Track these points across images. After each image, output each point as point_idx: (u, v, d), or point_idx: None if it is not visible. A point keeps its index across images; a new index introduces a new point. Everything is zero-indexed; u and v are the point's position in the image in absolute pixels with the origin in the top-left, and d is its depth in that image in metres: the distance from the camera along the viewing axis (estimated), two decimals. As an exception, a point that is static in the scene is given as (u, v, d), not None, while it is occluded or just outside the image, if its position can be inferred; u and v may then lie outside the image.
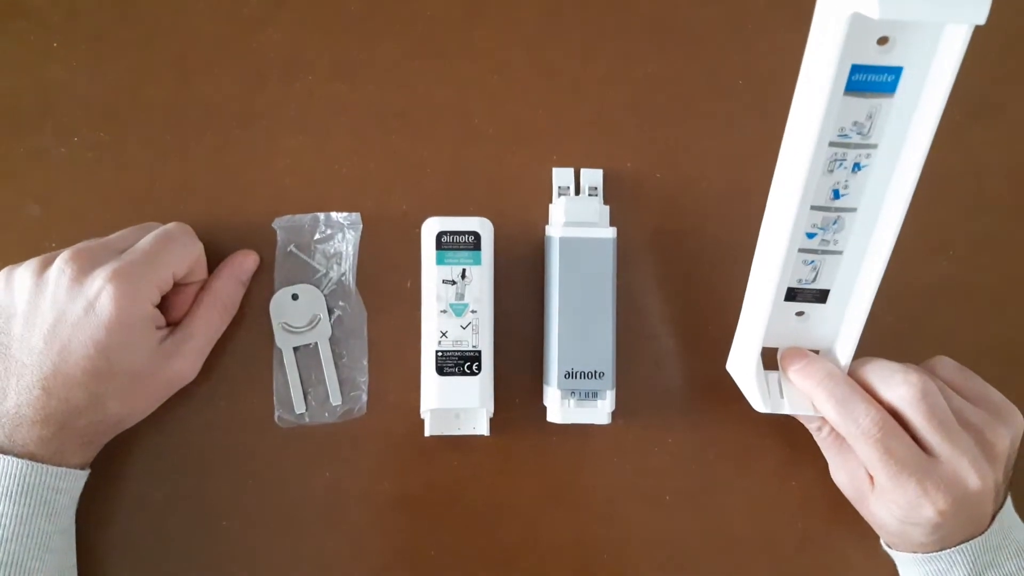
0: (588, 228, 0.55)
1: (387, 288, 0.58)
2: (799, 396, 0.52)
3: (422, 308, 0.55)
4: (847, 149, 0.46)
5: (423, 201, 0.58)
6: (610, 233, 0.55)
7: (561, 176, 0.59)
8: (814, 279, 0.51)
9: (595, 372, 0.54)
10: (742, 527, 0.58)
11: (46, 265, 0.50)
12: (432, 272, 0.54)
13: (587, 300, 0.54)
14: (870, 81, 0.44)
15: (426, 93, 0.59)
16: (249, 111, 0.59)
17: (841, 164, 0.47)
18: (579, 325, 0.54)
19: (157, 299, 0.51)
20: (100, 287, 0.48)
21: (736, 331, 0.55)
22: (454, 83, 0.60)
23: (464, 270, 0.54)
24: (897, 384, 0.49)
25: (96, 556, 0.56)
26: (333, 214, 0.58)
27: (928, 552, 0.51)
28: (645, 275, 0.59)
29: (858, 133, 0.46)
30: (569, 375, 0.54)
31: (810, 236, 0.50)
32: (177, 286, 0.53)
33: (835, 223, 0.49)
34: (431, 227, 0.54)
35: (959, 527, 0.50)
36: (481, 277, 0.54)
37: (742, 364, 0.54)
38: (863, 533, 0.56)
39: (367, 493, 0.57)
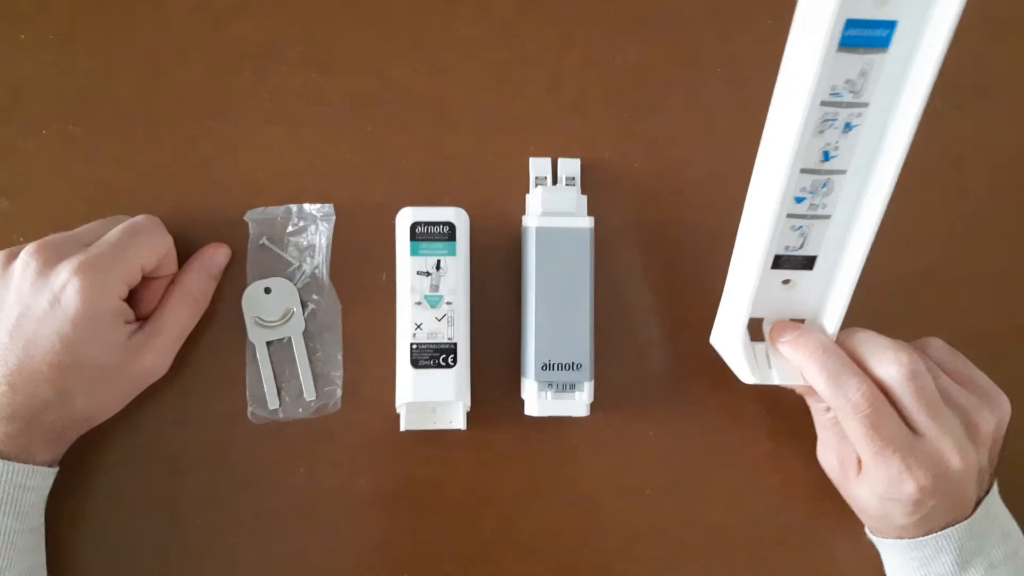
0: (565, 218, 0.54)
1: (362, 281, 0.57)
2: (788, 367, 0.51)
3: (397, 300, 0.54)
4: (839, 108, 0.45)
5: (398, 192, 0.57)
6: (587, 223, 0.54)
7: (538, 166, 0.58)
8: (801, 245, 0.50)
9: (573, 364, 0.53)
10: (723, 519, 0.58)
11: (11, 258, 0.49)
12: (406, 263, 0.53)
13: (564, 291, 0.53)
14: (864, 36, 0.42)
15: (401, 82, 0.59)
16: (221, 102, 0.58)
17: (832, 124, 0.45)
18: (556, 316, 0.53)
19: (124, 292, 0.50)
20: (65, 280, 0.47)
21: (720, 302, 0.54)
22: (429, 72, 0.59)
23: (439, 261, 0.53)
24: (888, 361, 0.49)
25: (66, 555, 0.55)
26: (306, 206, 0.57)
27: (912, 537, 0.51)
28: (623, 265, 0.58)
29: (851, 92, 0.44)
30: (546, 367, 0.53)
31: (798, 200, 0.48)
32: (146, 280, 0.53)
33: (824, 186, 0.47)
34: (405, 217, 0.53)
35: (941, 509, 0.49)
36: (456, 268, 0.53)
37: (727, 335, 0.52)
38: (845, 525, 0.56)
39: (342, 489, 0.56)
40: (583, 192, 0.57)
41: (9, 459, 0.48)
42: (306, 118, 0.58)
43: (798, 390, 0.53)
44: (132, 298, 0.52)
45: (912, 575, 0.52)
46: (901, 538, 0.51)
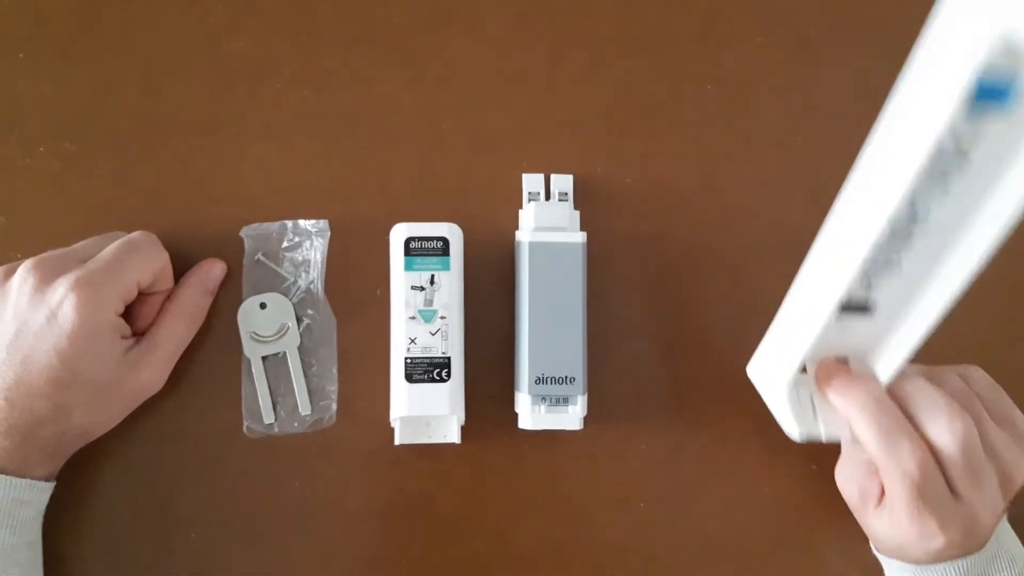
0: (558, 233, 0.54)
1: (356, 295, 0.58)
2: (834, 417, 0.49)
3: (391, 315, 0.54)
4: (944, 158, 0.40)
5: (392, 207, 0.58)
6: (580, 238, 0.54)
7: (531, 181, 0.58)
8: (866, 291, 0.46)
9: (566, 378, 0.54)
10: (717, 532, 0.58)
11: (8, 275, 0.50)
12: (400, 278, 0.54)
13: (557, 305, 0.54)
14: (993, 87, 0.37)
15: (394, 99, 0.59)
16: (216, 119, 0.58)
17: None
18: (549, 330, 0.54)
19: (121, 308, 0.50)
20: (62, 296, 0.47)
21: (766, 337, 0.52)
22: (422, 89, 0.59)
23: (433, 276, 0.54)
24: (943, 429, 0.47)
25: (63, 569, 0.55)
26: (301, 222, 0.58)
27: (921, 564, 0.51)
28: (615, 280, 0.59)
29: (954, 142, 0.39)
30: (540, 381, 0.53)
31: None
32: (142, 296, 0.53)
33: (906, 239, 0.43)
34: (399, 233, 0.54)
35: (952, 551, 0.49)
36: (450, 283, 0.54)
37: (772, 378, 0.50)
38: (838, 538, 0.56)
39: (337, 503, 0.57)
40: (575, 207, 0.58)
41: (6, 473, 0.48)
42: (301, 134, 0.59)
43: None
44: (128, 314, 0.52)
45: None
46: (909, 563, 0.51)
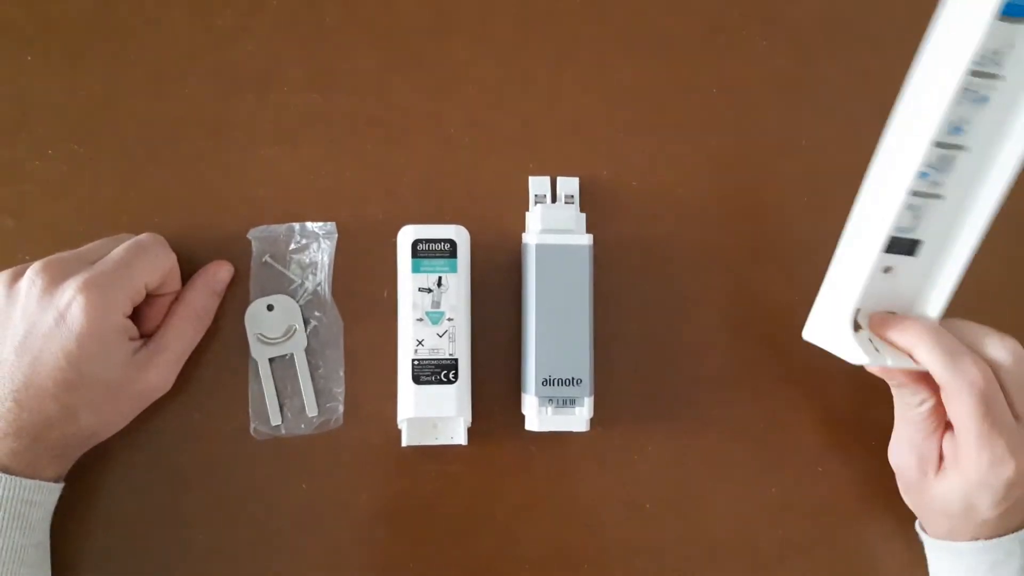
0: (565, 235, 0.55)
1: (363, 298, 0.58)
2: (896, 352, 0.51)
3: (398, 317, 0.55)
4: (980, 79, 0.45)
5: (399, 210, 0.58)
6: (586, 240, 0.54)
7: (537, 184, 0.59)
8: (913, 228, 0.50)
9: (573, 379, 0.54)
10: (723, 534, 0.58)
11: (17, 277, 0.50)
12: (408, 280, 0.54)
13: (564, 307, 0.54)
14: (1019, 3, 0.42)
15: (401, 102, 0.59)
16: (224, 122, 0.59)
17: (973, 95, 0.46)
18: (556, 332, 0.54)
19: (129, 309, 0.51)
20: (71, 297, 0.48)
21: (819, 295, 0.53)
22: (429, 92, 0.60)
23: (440, 278, 0.54)
24: (996, 346, 0.49)
25: (71, 570, 0.55)
26: (308, 224, 0.58)
27: (988, 538, 0.50)
28: (622, 282, 0.59)
29: (994, 63, 0.44)
30: (547, 382, 0.54)
31: (923, 176, 0.48)
32: (150, 297, 0.53)
33: (948, 162, 0.48)
34: (407, 235, 0.54)
35: (1019, 507, 0.49)
36: (458, 285, 0.54)
37: (832, 322, 0.51)
38: (846, 539, 0.56)
39: (344, 505, 0.57)
40: (582, 210, 0.58)
41: (15, 475, 0.48)
42: (308, 137, 0.59)
43: (894, 380, 0.52)
44: (136, 315, 0.52)
45: None
46: (976, 539, 0.51)
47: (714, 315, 0.59)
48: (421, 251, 0.54)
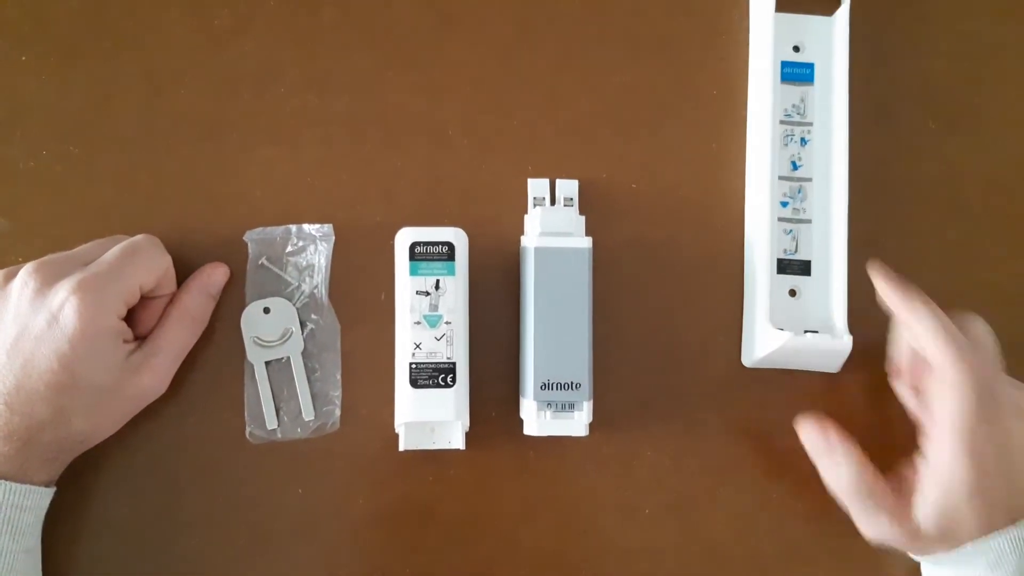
0: (564, 238, 0.54)
1: (360, 300, 0.57)
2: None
3: (396, 320, 0.54)
4: (793, 126, 0.59)
5: (396, 212, 0.58)
6: (586, 243, 0.54)
7: (536, 187, 0.58)
8: (796, 250, 0.58)
9: (572, 383, 0.53)
10: (724, 539, 0.57)
11: (9, 278, 0.49)
12: (405, 283, 0.53)
13: (563, 311, 0.54)
14: (796, 73, 0.59)
15: (399, 103, 0.59)
16: (220, 122, 0.58)
17: (791, 138, 0.59)
18: (555, 336, 0.53)
19: (123, 312, 0.50)
20: (64, 299, 0.47)
21: (744, 321, 0.59)
22: (427, 93, 0.59)
23: (438, 281, 0.53)
24: (970, 320, 0.53)
25: (62, 576, 0.54)
26: (305, 226, 0.57)
27: (972, 540, 0.50)
28: (621, 285, 0.58)
29: (798, 113, 0.59)
30: (545, 386, 0.53)
31: (783, 204, 0.58)
32: (145, 300, 0.53)
33: (799, 192, 0.59)
34: (404, 237, 0.54)
35: (1002, 489, 0.49)
36: (456, 288, 0.53)
37: (755, 331, 0.57)
38: (847, 544, 0.55)
39: (341, 509, 0.56)
40: (581, 212, 0.58)
41: (6, 479, 0.47)
42: (305, 139, 0.58)
43: (822, 471, 0.54)
44: (130, 318, 0.52)
45: None
46: (962, 545, 0.50)
47: (715, 319, 0.58)
48: (419, 254, 0.53)
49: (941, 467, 0.49)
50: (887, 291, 0.53)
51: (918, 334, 0.51)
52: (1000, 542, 0.49)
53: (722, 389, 0.58)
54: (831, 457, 0.53)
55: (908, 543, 0.52)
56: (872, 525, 0.52)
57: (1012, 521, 0.49)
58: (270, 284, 0.57)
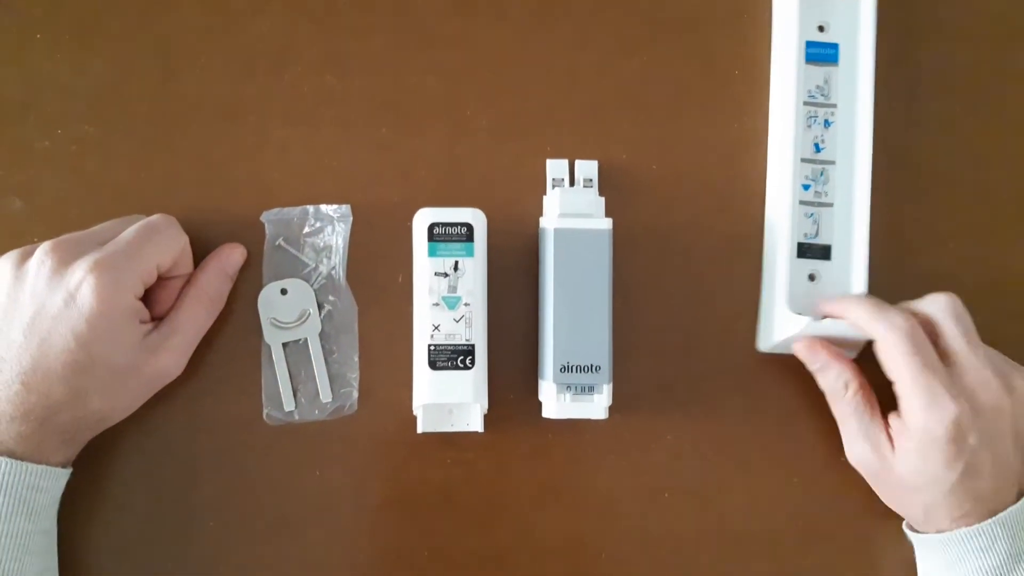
0: (583, 219, 0.54)
1: (378, 282, 0.57)
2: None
3: (414, 301, 0.54)
4: (816, 108, 0.58)
5: (414, 193, 0.57)
6: (606, 224, 0.53)
7: (555, 168, 0.58)
8: (816, 234, 0.58)
9: (591, 366, 0.53)
10: (744, 524, 0.57)
11: (26, 257, 0.49)
12: (424, 264, 0.53)
13: (583, 292, 0.53)
14: (820, 53, 0.58)
15: (417, 84, 0.58)
16: (237, 103, 0.58)
17: (815, 120, 0.58)
18: (574, 318, 0.53)
19: (140, 291, 0.50)
20: (81, 278, 0.47)
21: (760, 305, 0.58)
22: (446, 74, 0.59)
23: (457, 262, 0.53)
24: (928, 301, 0.52)
25: (79, 558, 0.54)
26: (323, 207, 0.57)
27: (960, 528, 0.50)
28: (641, 267, 0.58)
29: (821, 94, 0.58)
30: (565, 369, 0.53)
31: (805, 188, 0.58)
32: (162, 280, 0.52)
33: (822, 175, 0.58)
34: (423, 218, 0.53)
35: (984, 471, 0.49)
36: (474, 269, 0.53)
37: (774, 323, 0.56)
38: (867, 529, 0.55)
39: (358, 492, 0.56)
40: (600, 194, 0.57)
41: (22, 459, 0.47)
42: (322, 119, 0.58)
43: (816, 362, 0.54)
44: (147, 298, 0.51)
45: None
46: (958, 526, 0.50)
47: (735, 302, 0.58)
48: (437, 235, 0.53)
49: (906, 414, 0.50)
50: (822, 306, 0.55)
51: (854, 320, 0.52)
52: (990, 527, 0.49)
53: (741, 373, 0.58)
54: (824, 374, 0.54)
55: (883, 478, 0.53)
56: (854, 446, 0.54)
57: (995, 508, 0.50)
58: (287, 265, 0.57)
